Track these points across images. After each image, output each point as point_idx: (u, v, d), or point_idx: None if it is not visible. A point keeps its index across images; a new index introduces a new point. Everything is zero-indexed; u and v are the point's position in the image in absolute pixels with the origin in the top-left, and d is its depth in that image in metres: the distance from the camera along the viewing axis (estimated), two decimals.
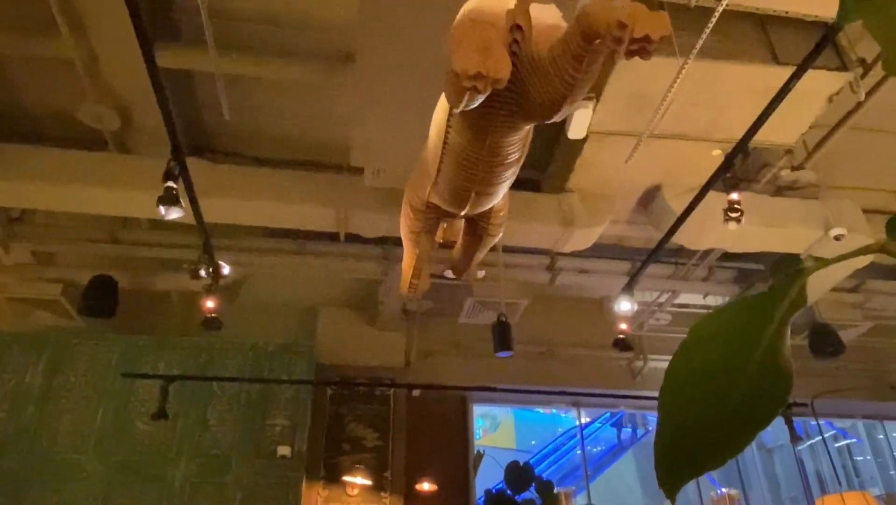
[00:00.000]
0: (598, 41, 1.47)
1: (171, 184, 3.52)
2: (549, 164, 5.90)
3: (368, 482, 6.50)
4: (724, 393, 0.45)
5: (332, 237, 6.34)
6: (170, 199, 3.49)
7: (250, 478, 5.97)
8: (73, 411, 6.11)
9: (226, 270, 4.51)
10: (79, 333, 6.51)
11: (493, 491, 4.20)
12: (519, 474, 4.33)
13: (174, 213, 3.52)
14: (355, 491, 6.48)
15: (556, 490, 5.16)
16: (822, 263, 0.50)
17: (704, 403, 0.46)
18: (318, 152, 5.89)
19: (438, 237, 3.39)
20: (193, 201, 3.89)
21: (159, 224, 5.60)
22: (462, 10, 1.90)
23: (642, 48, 1.31)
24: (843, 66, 4.23)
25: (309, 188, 5.34)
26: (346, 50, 4.78)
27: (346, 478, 6.50)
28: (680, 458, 0.47)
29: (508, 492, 4.27)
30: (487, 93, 1.50)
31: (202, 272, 4.40)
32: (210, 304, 4.69)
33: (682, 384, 0.47)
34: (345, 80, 4.84)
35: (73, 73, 4.76)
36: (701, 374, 0.47)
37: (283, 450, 6.02)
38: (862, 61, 4.24)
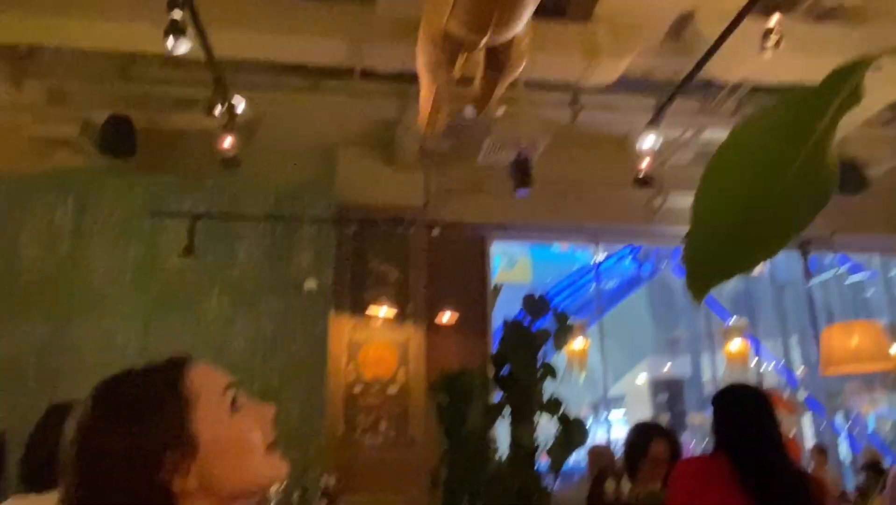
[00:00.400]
0: None
1: (176, 14, 3.34)
2: None
3: (392, 313, 6.82)
4: (765, 189, 0.43)
5: (347, 73, 6.14)
6: (176, 30, 3.34)
7: (280, 310, 6.28)
8: (106, 249, 6.31)
9: (240, 106, 4.42)
10: (102, 172, 6.57)
11: (511, 320, 4.41)
12: (535, 305, 4.49)
13: (182, 46, 3.38)
14: (379, 322, 6.83)
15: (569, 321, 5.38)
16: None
17: (745, 199, 0.44)
18: None
19: (457, 70, 3.27)
20: (201, 34, 3.72)
21: (170, 60, 5.42)
22: None
23: None
24: None
25: (322, 18, 5.08)
26: None
27: (371, 310, 6.82)
28: (712, 259, 0.46)
29: (526, 322, 4.46)
30: None
31: (217, 109, 4.32)
32: (227, 142, 4.66)
33: (722, 180, 0.45)
34: None
35: None
36: (742, 169, 0.44)
37: (310, 283, 6.26)
38: None
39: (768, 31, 3.56)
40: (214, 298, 6.31)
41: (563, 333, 4.41)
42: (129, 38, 5.01)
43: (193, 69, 5.76)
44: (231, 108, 4.36)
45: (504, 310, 8.37)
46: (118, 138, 5.95)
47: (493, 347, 7.12)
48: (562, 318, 4.44)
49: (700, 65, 3.93)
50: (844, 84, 0.43)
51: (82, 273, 6.22)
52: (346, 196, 7.09)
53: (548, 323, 4.47)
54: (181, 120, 6.45)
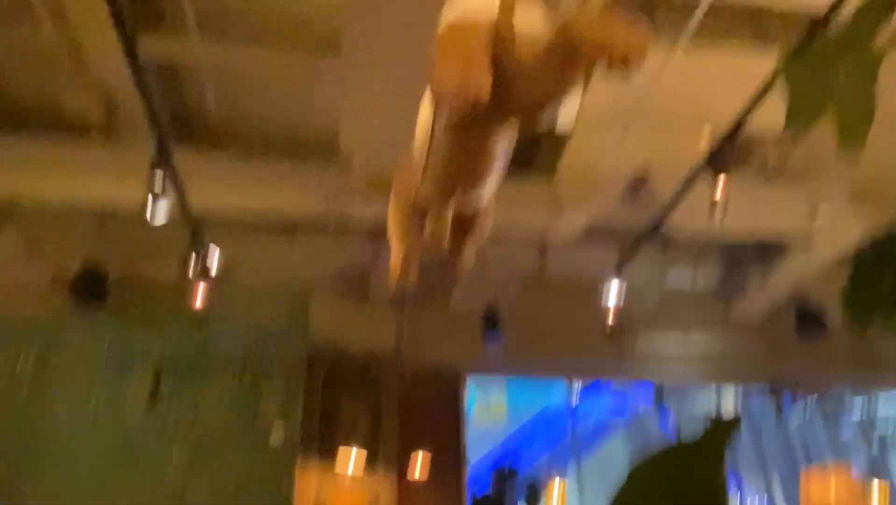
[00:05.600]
0: (580, 50, 1.47)
1: (157, 175, 3.49)
2: (539, 144, 5.88)
3: (362, 462, 6.57)
4: None
5: (322, 224, 6.33)
6: (155, 196, 3.47)
7: (245, 464, 6.03)
8: (66, 398, 6.12)
9: (215, 260, 4.50)
10: (70, 320, 6.49)
11: (479, 497, 4.26)
12: (504, 479, 4.38)
13: (161, 213, 3.50)
14: (348, 477, 6.56)
15: (545, 477, 5.24)
16: None
17: None
18: (305, 140, 5.84)
19: (427, 232, 3.40)
20: (180, 191, 3.87)
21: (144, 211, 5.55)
22: (447, 13, 1.89)
23: (623, 65, 1.31)
24: None
25: (298, 177, 5.32)
26: (336, 37, 4.74)
27: (340, 458, 6.57)
28: None
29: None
30: (469, 105, 1.50)
31: (191, 263, 4.39)
32: (200, 293, 4.69)
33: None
34: (334, 67, 4.80)
35: (57, 62, 4.70)
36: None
37: (277, 437, 6.07)
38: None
39: (718, 193, 3.82)
40: (176, 450, 6.06)
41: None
42: (109, 194, 5.16)
43: (170, 221, 5.91)
44: (205, 262, 4.44)
45: (483, 446, 8.12)
46: (91, 288, 5.95)
47: (468, 497, 6.84)
48: (533, 491, 4.33)
49: (658, 221, 4.16)
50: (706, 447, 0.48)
51: (39, 424, 5.97)
52: (317, 339, 7.05)
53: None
54: (155, 270, 6.49)
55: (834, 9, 3.09)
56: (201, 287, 4.89)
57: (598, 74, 1.45)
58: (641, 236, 4.60)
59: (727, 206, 3.85)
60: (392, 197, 3.45)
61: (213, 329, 6.47)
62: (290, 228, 6.45)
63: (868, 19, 2.16)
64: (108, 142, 5.40)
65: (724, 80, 4.44)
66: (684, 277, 7.36)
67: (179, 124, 5.62)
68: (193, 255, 4.74)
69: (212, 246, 4.87)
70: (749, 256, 6.95)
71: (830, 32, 2.16)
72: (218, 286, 5.60)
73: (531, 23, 1.76)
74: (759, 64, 3.97)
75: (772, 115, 4.59)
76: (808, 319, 6.86)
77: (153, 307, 6.97)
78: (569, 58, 1.46)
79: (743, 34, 4.36)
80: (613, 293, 5.20)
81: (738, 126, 3.53)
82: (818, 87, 2.18)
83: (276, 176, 5.30)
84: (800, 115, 2.25)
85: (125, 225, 6.19)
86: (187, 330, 6.47)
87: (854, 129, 2.19)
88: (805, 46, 3.21)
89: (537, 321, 7.75)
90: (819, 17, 3.25)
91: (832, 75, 2.16)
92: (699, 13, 3.69)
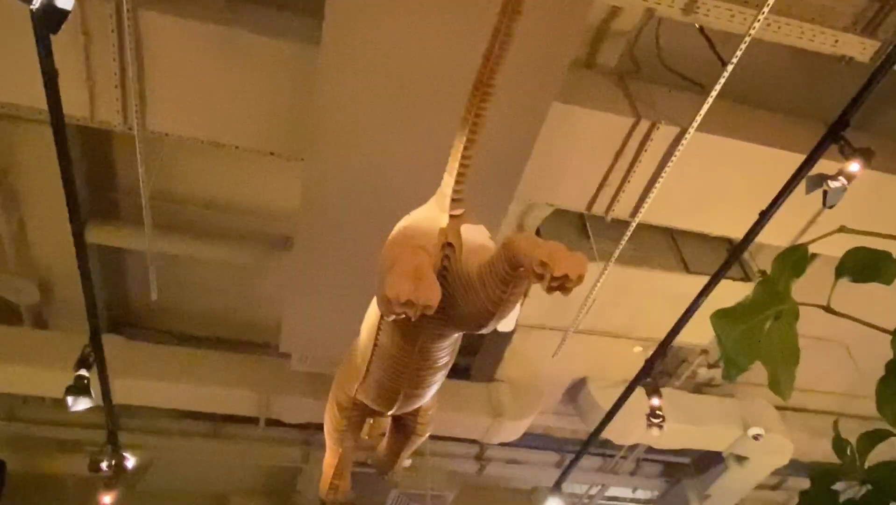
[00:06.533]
0: (522, 269, 1.56)
1: (82, 372, 3.34)
2: (479, 351, 5.96)
3: None
4: None
5: (252, 421, 6.05)
6: (80, 389, 3.31)
7: None
8: None
9: (130, 462, 4.16)
10: None
11: None
12: None
13: (82, 404, 3.31)
14: None
15: None
16: None
17: None
18: (245, 332, 5.79)
19: (364, 434, 3.29)
20: (105, 385, 3.69)
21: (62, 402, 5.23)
22: (397, 226, 2.00)
23: (562, 285, 1.40)
24: (746, 277, 4.62)
25: (232, 370, 5.17)
26: (284, 234, 4.90)
27: None
28: None
29: None
30: (417, 316, 1.54)
31: (104, 463, 4.04)
32: (107, 499, 4.24)
33: None
34: (279, 264, 4.90)
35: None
36: None
37: None
38: (763, 273, 4.63)
39: (653, 410, 3.92)
40: None
41: None
42: (30, 382, 4.87)
43: (87, 411, 5.55)
44: (120, 463, 4.09)
45: None
46: None
47: None
48: None
49: (595, 433, 4.17)
50: None
51: None
52: None
53: None
54: (62, 464, 5.96)
55: (749, 238, 3.43)
56: (108, 496, 4.41)
57: (538, 288, 1.53)
58: (579, 452, 4.56)
59: (663, 417, 3.91)
60: (331, 397, 3.36)
61: None
62: (216, 426, 6.12)
63: (785, 268, 2.41)
64: (36, 328, 5.22)
65: (653, 297, 4.73)
66: (625, 489, 7.18)
67: (116, 307, 5.52)
68: (106, 460, 4.31)
69: (126, 455, 4.44)
70: (688, 469, 6.89)
71: (751, 294, 2.39)
72: (129, 486, 5.13)
73: (476, 236, 1.88)
74: (685, 283, 4.28)
75: (700, 331, 4.86)
76: None
77: None
78: (512, 272, 1.54)
79: (668, 257, 4.74)
80: None
81: (668, 341, 3.71)
82: (746, 340, 2.36)
83: (209, 369, 5.14)
84: (733, 366, 2.42)
85: (37, 413, 5.78)
86: None
87: (782, 377, 2.35)
88: (725, 270, 3.50)
89: None
90: (737, 242, 3.59)
91: (758, 328, 2.36)
92: (626, 237, 4.03)
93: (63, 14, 2.32)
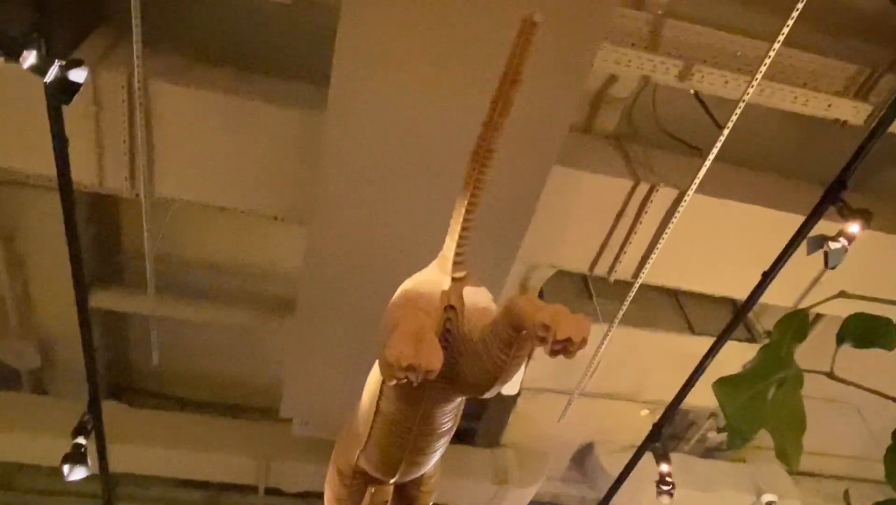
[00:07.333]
0: (524, 332, 1.55)
1: (80, 440, 3.29)
2: (483, 415, 5.86)
3: None
4: None
5: (251, 489, 5.89)
6: (77, 457, 3.25)
7: None
8: None
9: None
10: None
11: None
12: None
13: (79, 474, 3.25)
14: None
15: None
16: None
17: None
18: (246, 396, 5.71)
19: (365, 504, 3.21)
20: (102, 455, 3.62)
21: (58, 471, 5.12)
22: (399, 289, 2.00)
23: (565, 348, 1.38)
24: (751, 338, 4.58)
25: (231, 436, 5.09)
26: (286, 297, 4.90)
27: None
28: None
29: None
30: (419, 381, 1.53)
31: None
32: None
33: None
34: (281, 327, 4.88)
35: (1, 308, 4.67)
36: None
37: None
38: (768, 333, 4.60)
39: (662, 477, 3.82)
40: None
41: None
42: (27, 449, 4.80)
43: (83, 480, 5.42)
44: None
45: None
46: None
47: None
48: None
49: (605, 501, 4.05)
50: None
51: None
52: None
53: None
54: None
55: (753, 299, 3.42)
56: None
57: (542, 352, 1.51)
58: None
59: (673, 484, 3.81)
60: (331, 465, 3.29)
61: None
62: (215, 495, 5.96)
63: (786, 334, 2.40)
64: (35, 393, 5.16)
65: (658, 358, 4.69)
66: None
67: (117, 370, 5.47)
68: None
69: None
70: None
71: (754, 361, 2.38)
72: None
73: (478, 299, 1.87)
74: (690, 345, 4.24)
75: (707, 394, 4.79)
76: None
77: None
78: (514, 335, 1.53)
79: (673, 318, 4.72)
80: None
81: (675, 405, 3.65)
82: (750, 408, 2.34)
83: (209, 435, 5.05)
84: (737, 436, 2.39)
85: (33, 482, 5.65)
86: None
87: (789, 446, 2.31)
88: (730, 331, 3.48)
89: None
90: (741, 303, 3.57)
91: (761, 395, 2.34)
92: (629, 298, 4.03)
93: (76, 87, 2.39)
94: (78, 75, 2.39)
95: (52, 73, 2.34)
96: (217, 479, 5.26)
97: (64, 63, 2.37)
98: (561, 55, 2.95)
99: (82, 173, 3.54)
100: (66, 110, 2.60)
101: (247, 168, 3.66)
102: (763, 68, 3.14)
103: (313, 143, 3.40)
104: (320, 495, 4.14)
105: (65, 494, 5.59)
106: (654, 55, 3.54)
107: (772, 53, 3.07)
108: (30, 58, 2.31)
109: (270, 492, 5.81)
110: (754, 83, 3.23)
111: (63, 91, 2.38)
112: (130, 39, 3.13)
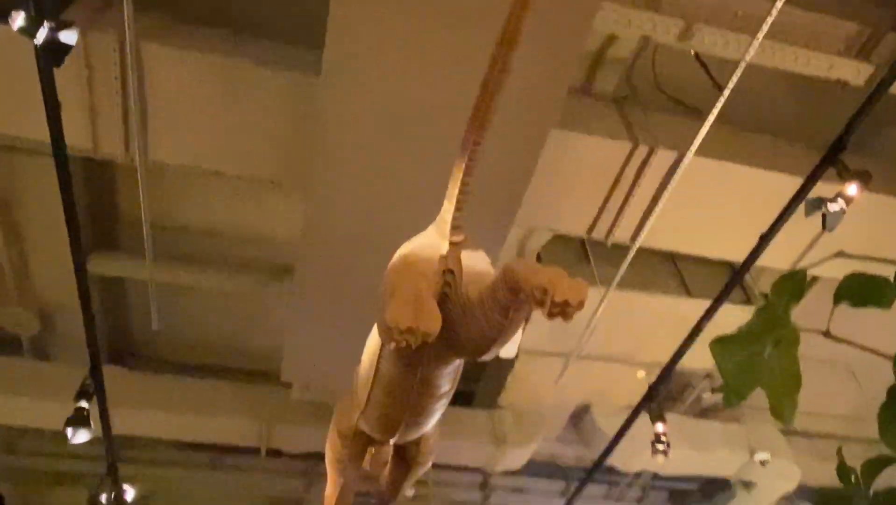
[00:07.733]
0: (522, 295, 1.55)
1: (82, 404, 3.32)
2: (481, 377, 5.93)
3: None
4: None
5: (253, 451, 5.98)
6: (79, 420, 3.28)
7: None
8: None
9: (129, 495, 4.12)
10: None
11: None
12: None
13: (82, 436, 3.29)
14: None
15: None
16: None
17: None
18: (246, 361, 5.76)
19: (365, 464, 3.25)
20: (105, 417, 3.66)
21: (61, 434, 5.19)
22: (398, 253, 2.00)
23: (562, 311, 1.39)
24: (748, 300, 4.61)
25: (233, 400, 5.14)
26: (285, 263, 4.90)
27: None
28: None
29: None
30: (418, 344, 1.54)
31: (103, 497, 4.00)
32: None
33: None
34: (280, 292, 4.90)
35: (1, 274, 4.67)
36: None
37: None
38: (765, 296, 4.62)
39: (657, 436, 3.88)
40: None
41: None
42: (30, 413, 4.85)
43: (88, 442, 5.50)
44: (120, 498, 4.05)
45: None
46: None
47: None
48: None
49: (600, 461, 4.12)
50: None
51: None
52: None
53: None
54: (60, 497, 5.89)
55: (750, 261, 3.43)
56: None
57: (539, 314, 1.51)
58: (586, 473, 4.50)
59: (668, 444, 3.87)
60: (332, 427, 3.33)
61: None
62: (217, 456, 6.06)
63: (784, 294, 2.42)
64: (36, 359, 5.20)
65: (655, 321, 4.72)
66: None
67: (117, 337, 5.50)
68: (106, 493, 4.26)
69: (125, 487, 4.39)
70: (695, 495, 6.80)
71: (750, 321, 2.40)
72: None
73: (476, 263, 1.87)
74: (686, 308, 4.26)
75: (703, 356, 4.83)
76: None
77: None
78: (512, 298, 1.54)
79: (670, 281, 4.74)
80: None
81: (671, 366, 3.69)
82: (746, 367, 2.37)
83: (210, 399, 5.11)
84: (733, 393, 2.43)
85: (37, 445, 5.73)
86: None
87: (784, 403, 2.35)
88: (727, 294, 3.49)
89: None
90: (738, 265, 3.59)
91: (757, 354, 2.37)
92: (627, 261, 4.04)
93: (67, 48, 2.35)
94: (69, 37, 2.35)
95: (42, 34, 2.29)
96: (220, 441, 5.34)
97: (54, 24, 2.33)
98: (560, 14, 2.90)
99: (76, 138, 3.50)
100: (58, 74, 2.56)
101: (242, 132, 3.62)
102: (765, 27, 3.09)
103: (308, 107, 3.36)
104: (321, 457, 4.21)
105: (69, 457, 5.67)
106: (655, 14, 3.48)
107: (774, 12, 3.02)
108: (18, 19, 2.27)
109: (272, 454, 5.91)
110: (755, 43, 3.19)
111: (54, 53, 2.34)
112: (121, 0, 3.07)
